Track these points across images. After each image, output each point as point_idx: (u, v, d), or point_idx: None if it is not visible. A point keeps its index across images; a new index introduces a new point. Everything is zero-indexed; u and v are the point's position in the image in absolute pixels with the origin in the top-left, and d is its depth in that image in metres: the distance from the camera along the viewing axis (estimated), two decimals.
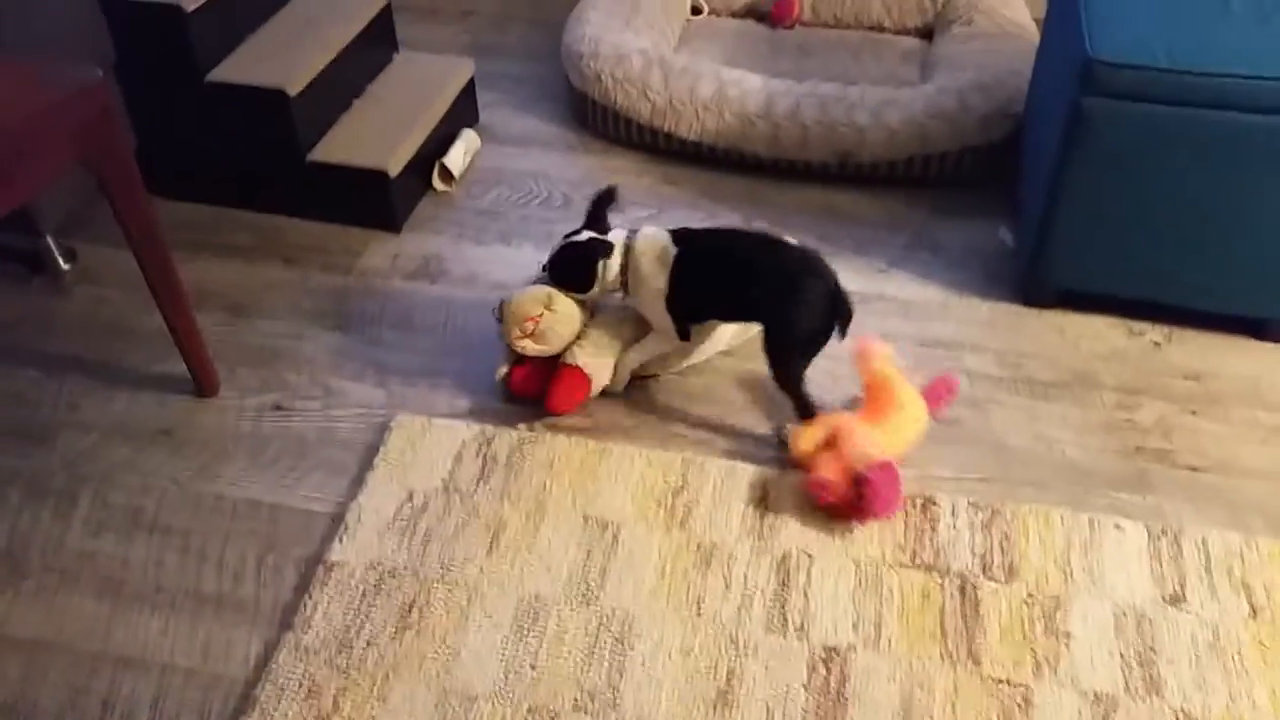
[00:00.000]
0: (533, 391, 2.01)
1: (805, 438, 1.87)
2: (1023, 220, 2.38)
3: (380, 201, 2.45)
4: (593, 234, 1.97)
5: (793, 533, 1.81)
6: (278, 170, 2.46)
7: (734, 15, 3.15)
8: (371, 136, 2.49)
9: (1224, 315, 2.20)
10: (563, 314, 1.98)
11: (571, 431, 2.00)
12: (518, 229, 2.51)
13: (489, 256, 2.43)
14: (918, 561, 1.77)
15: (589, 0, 2.94)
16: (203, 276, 2.35)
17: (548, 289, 1.99)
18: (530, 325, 1.96)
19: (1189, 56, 1.89)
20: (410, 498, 1.85)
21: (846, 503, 1.79)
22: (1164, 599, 1.73)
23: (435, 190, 2.61)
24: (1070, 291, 2.24)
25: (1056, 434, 2.01)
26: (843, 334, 1.90)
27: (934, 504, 1.86)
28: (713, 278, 1.93)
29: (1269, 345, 2.20)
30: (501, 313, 2.00)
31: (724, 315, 2.04)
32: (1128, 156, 1.99)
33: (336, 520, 1.83)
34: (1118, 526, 1.84)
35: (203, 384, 2.06)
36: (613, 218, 2.03)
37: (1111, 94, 1.92)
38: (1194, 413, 2.06)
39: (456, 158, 2.62)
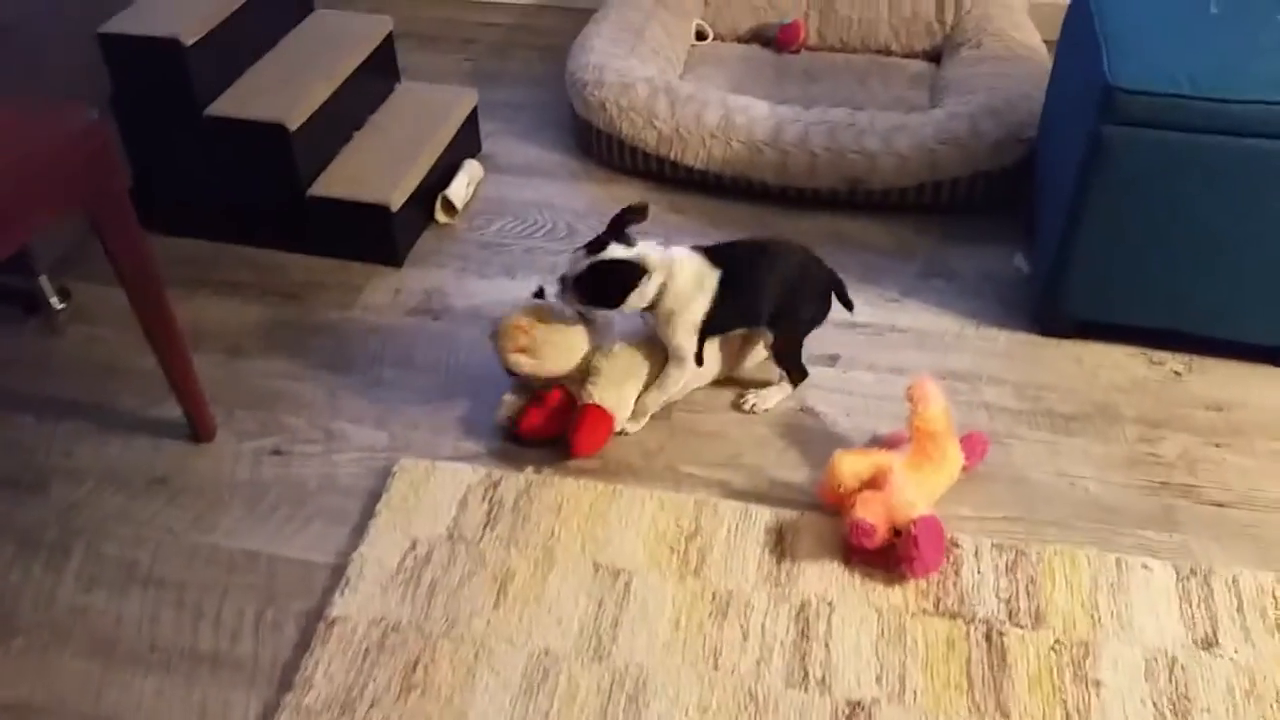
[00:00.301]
0: (545, 434, 1.96)
1: (847, 468, 1.80)
2: (1038, 247, 2.32)
3: (382, 236, 2.40)
4: (622, 249, 1.88)
5: (811, 579, 1.75)
6: (277, 205, 2.41)
7: (739, 40, 3.11)
8: (373, 169, 2.44)
9: (1245, 344, 2.14)
10: (557, 328, 1.93)
11: (580, 473, 1.94)
12: (522, 261, 2.46)
13: (493, 290, 2.37)
14: (941, 608, 1.71)
15: (593, 27, 2.90)
16: (200, 315, 2.30)
17: (538, 304, 1.95)
18: (523, 337, 1.91)
19: (1211, 83, 1.84)
20: (414, 547, 1.79)
21: (881, 552, 1.73)
22: (1196, 643, 1.67)
23: (437, 222, 2.56)
24: (1088, 321, 2.19)
25: (1079, 470, 1.95)
26: (846, 304, 2.07)
27: (957, 546, 1.80)
28: (748, 295, 1.94)
29: None
30: (495, 330, 1.95)
31: (739, 326, 2.02)
32: (1148, 184, 1.94)
33: (338, 572, 1.77)
34: (1145, 566, 1.77)
35: (199, 429, 2.00)
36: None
37: (1132, 122, 1.87)
38: (1218, 445, 2.00)
39: (459, 189, 2.58)
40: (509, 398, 2.01)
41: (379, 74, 2.66)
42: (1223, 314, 2.08)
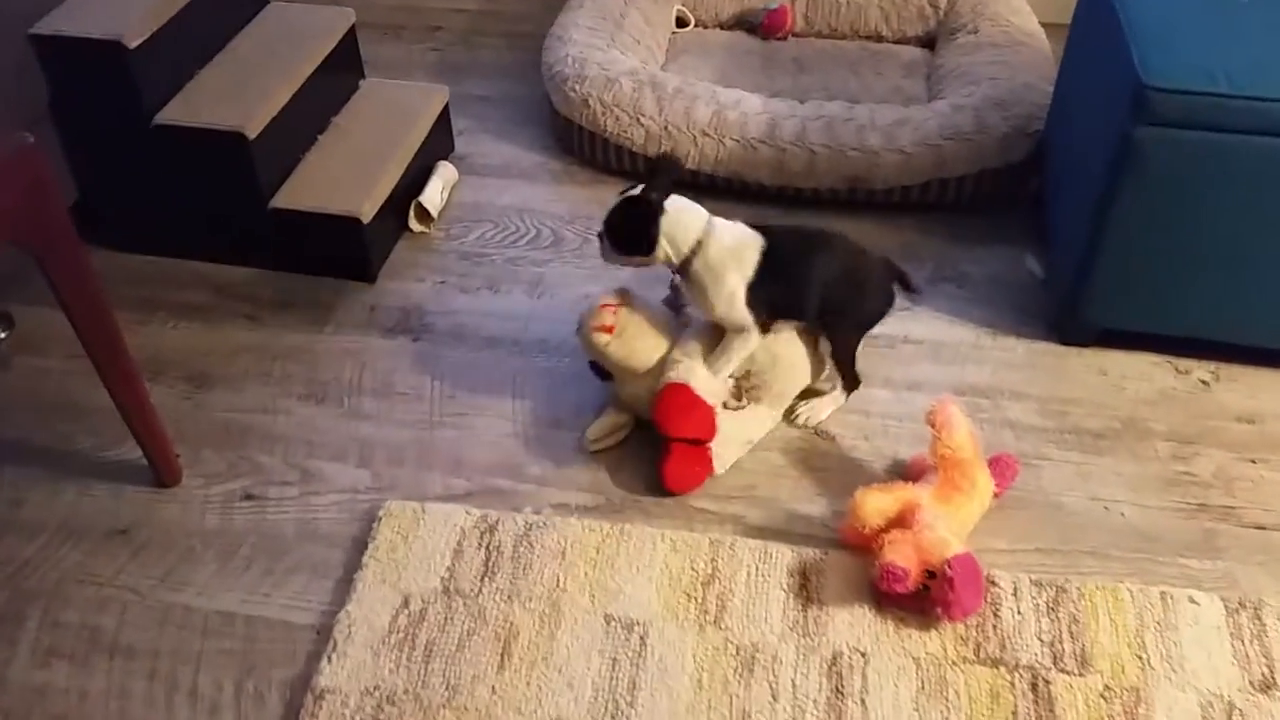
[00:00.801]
0: (693, 477, 1.83)
1: (871, 507, 1.67)
2: (1053, 250, 2.21)
3: (353, 249, 2.22)
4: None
5: (841, 627, 1.62)
6: (237, 219, 2.22)
7: (722, 27, 2.95)
8: (340, 177, 2.25)
9: (1271, 350, 2.04)
10: (644, 314, 1.85)
11: (583, 512, 1.79)
12: (506, 273, 2.29)
13: (476, 306, 2.21)
14: (983, 655, 1.59)
15: (569, 15, 2.72)
16: (158, 342, 2.11)
17: (627, 290, 1.87)
18: (609, 316, 1.82)
19: (1250, 80, 1.72)
20: (406, 604, 1.64)
21: (914, 594, 1.61)
22: (1253, 685, 1.57)
23: (412, 232, 2.39)
24: (1110, 329, 2.07)
25: (1112, 493, 1.84)
26: (912, 289, 1.96)
27: (994, 584, 1.68)
28: (793, 286, 1.81)
29: None
30: (582, 315, 1.85)
31: (780, 317, 1.85)
32: (1181, 188, 1.82)
33: (323, 634, 1.61)
34: (1192, 601, 1.67)
35: (162, 472, 1.83)
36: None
37: (1166, 122, 1.75)
38: (1254, 461, 1.90)
39: (434, 195, 2.40)
40: (602, 420, 1.90)
41: (342, 71, 2.47)
42: (1253, 321, 1.97)
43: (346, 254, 2.22)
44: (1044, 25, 2.75)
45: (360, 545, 1.73)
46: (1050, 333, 2.14)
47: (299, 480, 1.85)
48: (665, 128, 2.41)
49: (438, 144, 2.53)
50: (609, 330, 1.82)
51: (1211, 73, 1.73)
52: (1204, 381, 2.05)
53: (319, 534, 1.76)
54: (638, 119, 2.43)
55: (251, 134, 2.09)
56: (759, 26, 2.89)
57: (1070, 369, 2.07)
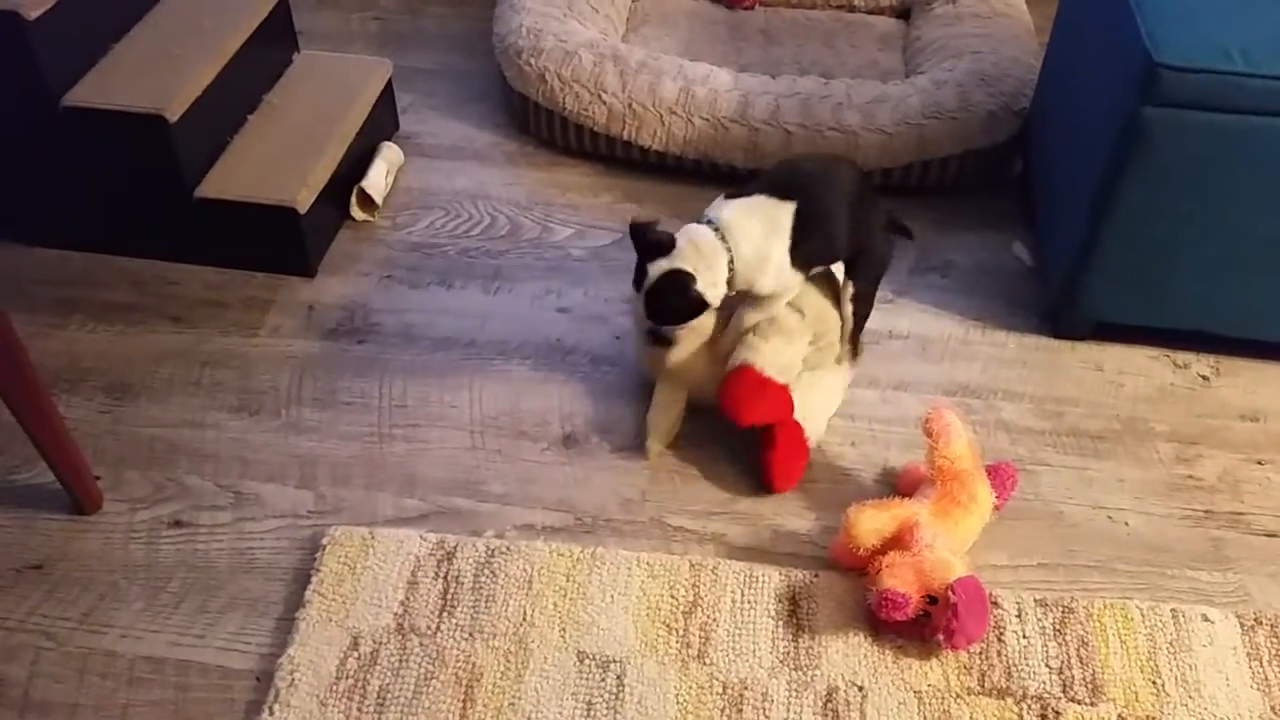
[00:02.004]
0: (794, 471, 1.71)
1: (866, 526, 1.53)
2: (1045, 238, 2.08)
3: (289, 242, 2.02)
4: (665, 261, 1.61)
5: (836, 657, 1.49)
6: (160, 210, 2.01)
7: None
8: (273, 162, 2.05)
9: (1274, 344, 1.93)
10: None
11: (550, 533, 1.64)
12: (459, 266, 2.11)
13: (427, 303, 2.03)
14: (988, 685, 1.47)
15: None
16: (74, 347, 1.91)
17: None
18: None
19: (1267, 58, 1.59)
20: (355, 645, 1.47)
21: (914, 620, 1.48)
22: (1275, 710, 1.46)
23: (355, 221, 2.19)
24: (1106, 321, 1.95)
25: (1115, 500, 1.73)
26: (905, 231, 1.87)
27: (997, 605, 1.55)
28: (826, 226, 1.68)
29: None
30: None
31: (820, 264, 1.74)
32: (1190, 172, 1.69)
33: (264, 681, 1.44)
34: (1205, 619, 1.56)
35: (80, 498, 1.64)
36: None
37: (1177, 103, 1.62)
38: (1260, 463, 1.80)
39: (378, 180, 2.21)
40: (658, 420, 1.76)
41: (274, 44, 2.25)
42: (1257, 314, 1.87)
43: (282, 247, 2.03)
44: None
45: (303, 578, 1.56)
46: (1042, 325, 2.02)
47: (232, 504, 1.67)
48: (629, 105, 2.24)
49: (381, 123, 2.33)
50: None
51: (1226, 50, 1.59)
52: (1204, 376, 1.94)
53: (256, 565, 1.59)
54: (599, 95, 2.25)
55: (172, 116, 1.88)
56: None
57: (1065, 365, 1.95)
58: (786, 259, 1.64)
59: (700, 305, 1.62)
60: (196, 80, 1.95)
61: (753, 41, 2.58)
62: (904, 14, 2.70)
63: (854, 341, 1.82)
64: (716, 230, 1.62)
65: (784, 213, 1.63)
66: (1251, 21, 1.64)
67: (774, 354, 1.68)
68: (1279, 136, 1.62)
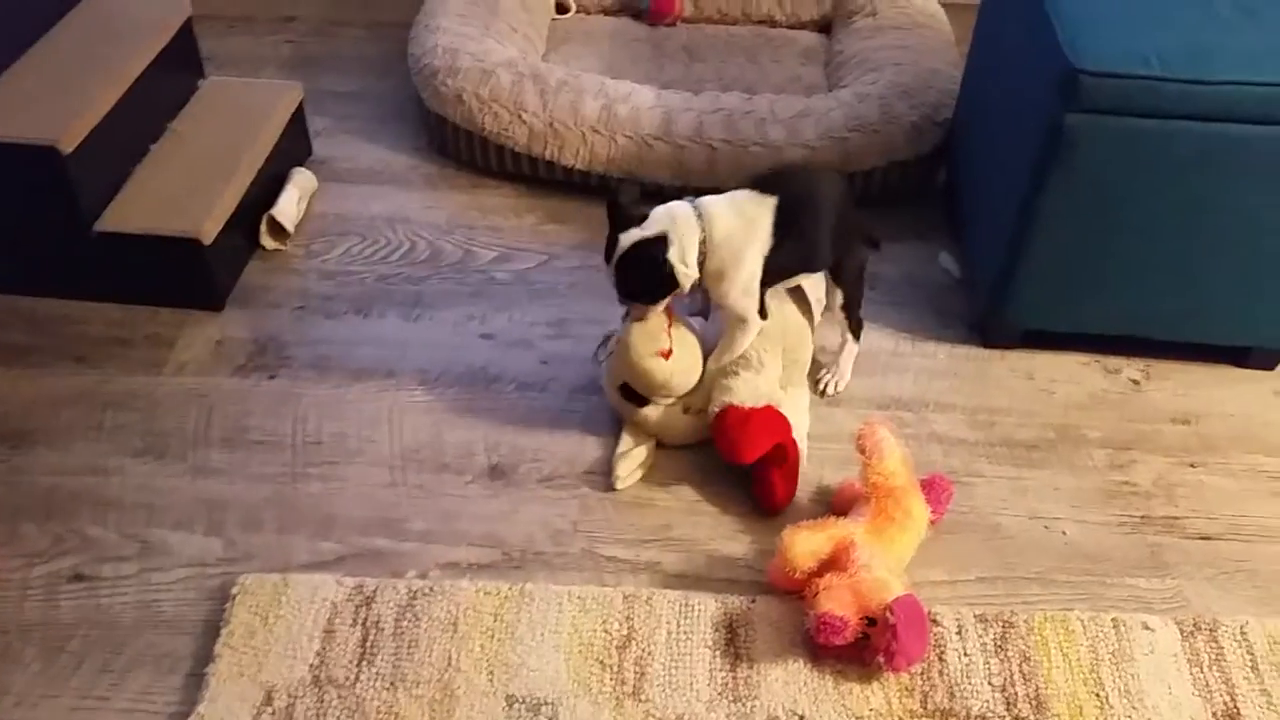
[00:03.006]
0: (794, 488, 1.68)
1: (801, 548, 1.48)
2: (972, 246, 2.07)
3: (194, 275, 1.94)
4: (636, 230, 1.58)
5: (775, 686, 1.44)
6: (58, 245, 1.92)
7: (606, 13, 2.73)
8: (177, 192, 1.97)
9: (1203, 345, 1.94)
10: (685, 337, 1.67)
11: (476, 571, 1.57)
12: (377, 294, 2.04)
13: (343, 333, 1.95)
14: (930, 707, 1.43)
15: (437, 2, 2.46)
16: None
17: (650, 317, 1.64)
18: (665, 338, 1.63)
19: (1183, 62, 1.59)
20: (269, 700, 1.39)
21: (853, 644, 1.43)
22: (1216, 717, 1.44)
23: (265, 250, 2.11)
24: (1035, 330, 1.94)
25: (1051, 509, 1.71)
26: (873, 242, 1.85)
27: (936, 623, 1.52)
28: (810, 233, 1.67)
29: (1253, 375, 1.96)
30: (619, 351, 1.63)
31: (800, 272, 1.74)
32: (1112, 177, 1.69)
33: None
34: (1146, 627, 1.54)
35: None
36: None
37: (1097, 109, 1.61)
38: (1193, 465, 1.79)
39: (289, 207, 2.13)
40: (627, 449, 1.69)
41: (178, 69, 2.17)
42: (1185, 316, 1.87)
43: (187, 280, 1.94)
44: (944, 5, 2.62)
45: (213, 630, 1.47)
46: (972, 335, 2.00)
47: (137, 554, 1.58)
48: (550, 124, 2.18)
49: (292, 148, 2.25)
50: (668, 355, 1.62)
51: (1144, 55, 1.59)
52: (1134, 381, 1.93)
53: (163, 619, 1.50)
54: (519, 115, 2.20)
55: (67, 148, 1.79)
56: (645, 12, 2.68)
57: (996, 374, 1.94)
58: (759, 266, 1.62)
59: (670, 280, 1.57)
60: (93, 109, 1.86)
61: (675, 58, 2.55)
62: (825, 28, 2.69)
63: (852, 325, 1.84)
64: (695, 209, 1.60)
65: (764, 208, 1.61)
66: (1167, 27, 1.64)
67: (747, 387, 1.67)
68: (1196, 139, 1.63)
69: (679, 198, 1.66)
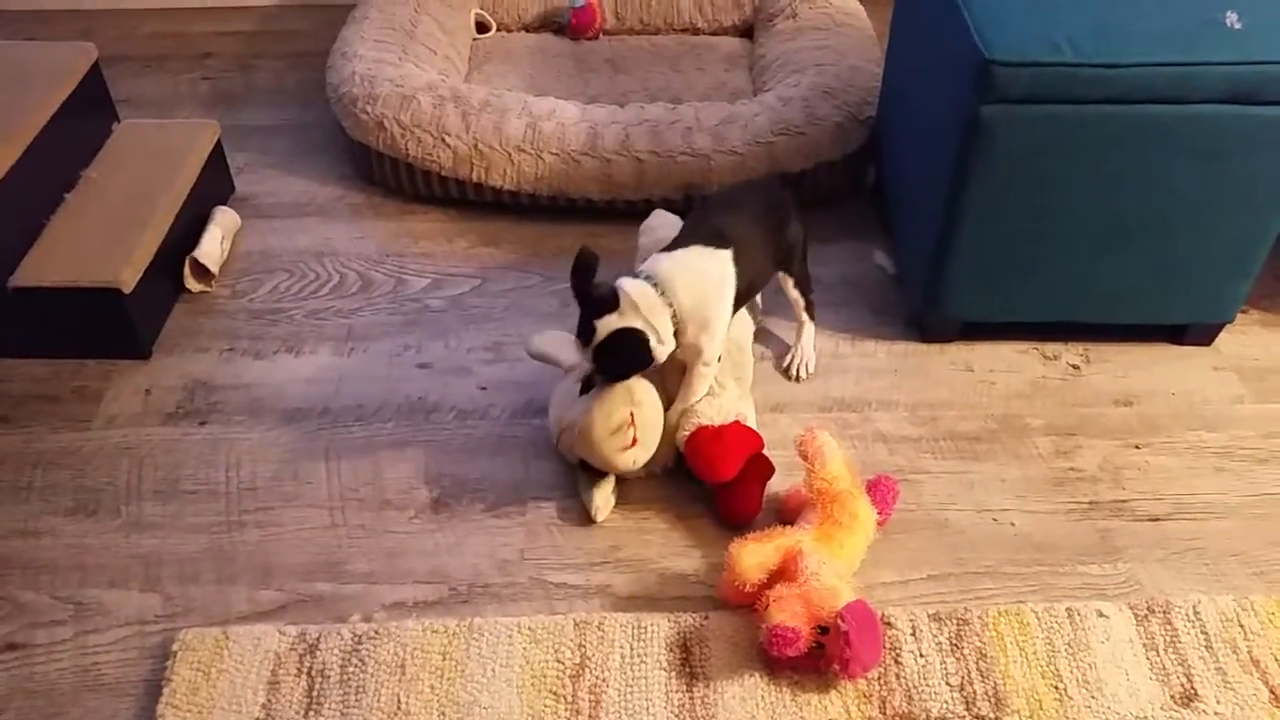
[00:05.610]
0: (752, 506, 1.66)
1: (749, 560, 1.47)
2: (903, 242, 2.07)
3: (116, 323, 1.88)
4: (614, 316, 1.55)
5: (733, 703, 1.42)
6: None
7: (527, 30, 2.71)
8: (95, 241, 1.91)
9: (1139, 325, 1.95)
10: (648, 400, 1.62)
11: (422, 609, 1.53)
12: (307, 330, 2.00)
13: (274, 374, 1.91)
14: (890, 711, 1.42)
15: (352, 29, 2.43)
16: None
17: (617, 384, 1.59)
18: (632, 431, 1.57)
19: (1094, 47, 1.60)
20: None
21: (808, 654, 1.42)
22: (1175, 700, 1.45)
23: (190, 293, 2.06)
24: (972, 321, 1.95)
25: (998, 501, 1.71)
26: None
27: (890, 625, 1.51)
28: (760, 256, 1.73)
29: (1189, 350, 1.97)
30: (582, 439, 1.58)
31: (761, 286, 1.82)
32: (1033, 165, 1.69)
33: None
34: (1100, 614, 1.54)
35: None
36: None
37: (1013, 98, 1.61)
38: (1137, 447, 1.80)
39: (212, 248, 2.08)
40: (600, 492, 1.66)
41: (88, 115, 2.11)
42: (1119, 298, 1.88)
43: (110, 330, 1.88)
44: (864, 2, 2.63)
45: (154, 690, 1.42)
46: (910, 331, 2.00)
47: (72, 617, 1.52)
48: (475, 146, 2.16)
49: (213, 186, 2.21)
50: (635, 443, 1.59)
51: (1055, 42, 1.60)
52: (1074, 366, 1.94)
53: (103, 682, 1.45)
54: (442, 139, 2.17)
55: None
56: (566, 26, 2.66)
57: (935, 369, 1.94)
58: (730, 313, 1.64)
59: (649, 359, 1.57)
60: None
61: (600, 72, 2.54)
62: (747, 33, 2.69)
63: (808, 306, 1.89)
64: (655, 286, 1.57)
65: (722, 261, 1.63)
66: (1077, 12, 1.65)
67: (711, 407, 1.67)
68: (1112, 122, 1.64)
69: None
